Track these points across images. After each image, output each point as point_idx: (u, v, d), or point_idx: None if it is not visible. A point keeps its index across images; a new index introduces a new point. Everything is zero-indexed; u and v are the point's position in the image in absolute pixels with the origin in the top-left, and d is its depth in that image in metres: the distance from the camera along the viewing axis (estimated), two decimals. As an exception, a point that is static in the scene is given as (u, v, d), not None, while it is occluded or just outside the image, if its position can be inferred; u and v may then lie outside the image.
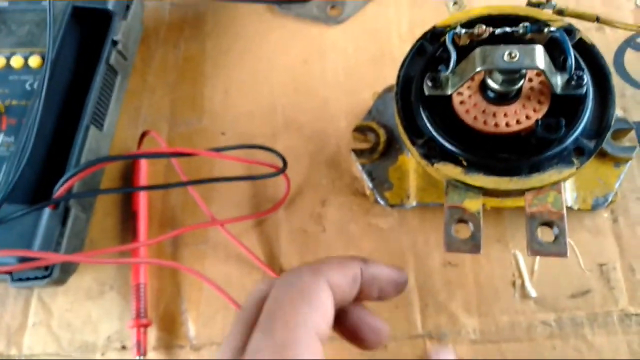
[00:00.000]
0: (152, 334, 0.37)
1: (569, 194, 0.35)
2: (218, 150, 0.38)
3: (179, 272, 0.38)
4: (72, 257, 0.34)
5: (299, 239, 0.39)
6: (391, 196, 0.37)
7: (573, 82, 0.28)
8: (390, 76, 0.33)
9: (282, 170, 0.38)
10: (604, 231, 0.36)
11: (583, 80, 0.28)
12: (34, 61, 0.41)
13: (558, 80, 0.28)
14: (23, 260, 0.34)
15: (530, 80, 0.30)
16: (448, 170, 0.29)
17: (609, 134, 0.36)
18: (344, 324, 0.26)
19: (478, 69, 0.27)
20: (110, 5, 0.42)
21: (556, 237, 0.27)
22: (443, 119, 0.30)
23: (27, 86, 0.40)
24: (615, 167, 0.36)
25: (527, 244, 0.27)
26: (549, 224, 0.27)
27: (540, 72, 0.28)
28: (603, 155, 0.36)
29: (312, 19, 0.46)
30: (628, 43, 0.41)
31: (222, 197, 0.40)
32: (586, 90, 0.28)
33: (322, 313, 0.22)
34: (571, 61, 0.28)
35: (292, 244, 0.39)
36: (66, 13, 0.42)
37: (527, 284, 0.35)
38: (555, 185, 0.28)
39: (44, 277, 0.35)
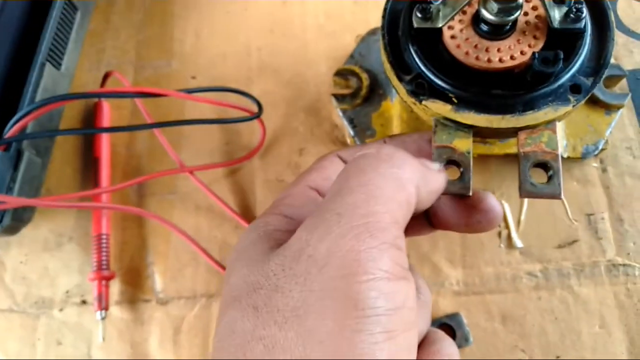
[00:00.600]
0: (115, 288, 0.35)
1: (559, 141, 0.34)
2: (188, 91, 0.35)
3: (145, 222, 0.36)
4: (27, 200, 0.31)
5: (274, 189, 0.37)
6: (373, 143, 0.35)
7: (572, 15, 0.26)
8: (374, 19, 0.31)
9: (257, 115, 0.36)
10: (592, 181, 0.35)
11: (582, 13, 0.26)
12: (-16, -9, 0.37)
13: (556, 14, 0.27)
14: (-31, 204, 0.30)
15: (526, 14, 0.28)
16: (437, 108, 0.27)
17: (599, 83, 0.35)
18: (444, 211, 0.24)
19: None
20: None
21: (550, 178, 0.25)
22: (433, 54, 0.28)
23: (-24, 18, 0.37)
24: (606, 114, 0.34)
25: (520, 185, 0.25)
26: (542, 165, 0.26)
27: (537, 3, 0.26)
28: (594, 102, 0.34)
29: (290, -43, 0.43)
30: (621, -11, 0.39)
31: (192, 144, 0.38)
32: (584, 24, 0.27)
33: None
34: None
35: (268, 194, 0.36)
36: (18, -61, 0.38)
37: (514, 234, 0.34)
38: (550, 124, 0.26)
39: (-6, 223, 0.32)
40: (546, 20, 0.27)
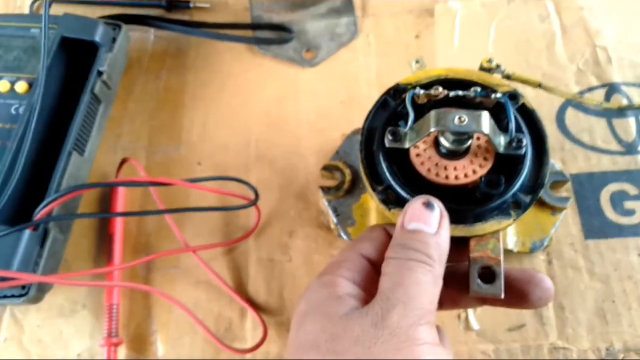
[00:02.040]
0: (122, 353, 0.39)
1: (510, 238, 0.39)
2: (193, 180, 0.41)
3: (151, 294, 0.41)
4: (49, 278, 0.36)
5: (266, 267, 0.42)
6: (353, 232, 0.41)
7: (514, 144, 0.32)
8: (357, 118, 0.36)
9: (254, 202, 0.41)
10: (540, 272, 0.40)
11: (522, 142, 0.32)
12: (21, 87, 0.43)
13: (501, 141, 0.32)
14: (1, 279, 0.35)
15: (478, 139, 0.33)
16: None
17: (546, 187, 0.40)
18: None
19: (432, 129, 0.30)
20: (97, 37, 0.45)
21: (494, 280, 0.30)
22: (400, 169, 0.33)
23: (13, 110, 0.42)
24: (552, 215, 0.40)
25: (469, 285, 0.30)
26: (488, 268, 0.31)
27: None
28: (541, 204, 0.40)
29: (288, 60, 0.49)
30: (569, 102, 0.46)
31: (195, 225, 0.43)
32: (525, 151, 0.32)
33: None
34: (512, 125, 0.32)
35: (260, 272, 0.42)
36: (54, 42, 0.44)
37: (471, 317, 0.39)
38: (495, 233, 0.32)
39: (21, 295, 0.37)
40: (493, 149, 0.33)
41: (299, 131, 0.47)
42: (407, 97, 0.33)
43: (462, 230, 0.31)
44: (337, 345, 0.25)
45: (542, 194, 0.40)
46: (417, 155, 0.33)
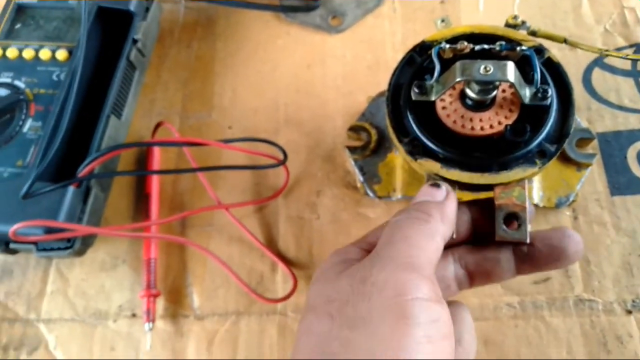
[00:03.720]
0: (160, 304, 0.41)
1: (535, 193, 0.40)
2: (226, 141, 0.42)
3: (186, 249, 0.43)
4: (95, 229, 0.39)
5: (295, 224, 0.43)
6: (379, 189, 0.42)
7: (539, 95, 0.32)
8: (383, 82, 0.37)
9: (283, 162, 0.43)
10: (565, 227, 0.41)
11: (548, 93, 0.32)
12: (61, 54, 0.45)
13: (527, 92, 0.33)
14: (49, 231, 0.38)
15: (504, 91, 0.34)
16: (429, 165, 0.32)
17: (573, 141, 0.41)
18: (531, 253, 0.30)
19: (458, 80, 0.31)
20: (132, 7, 0.47)
21: (519, 226, 0.31)
22: (427, 121, 0.34)
23: (54, 77, 0.45)
24: (577, 171, 0.41)
25: (495, 231, 0.31)
26: (513, 215, 0.31)
27: (511, 85, 0.32)
28: (567, 160, 0.41)
29: (315, 27, 0.50)
30: (596, 62, 0.46)
31: (227, 184, 0.45)
32: (550, 102, 0.33)
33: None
34: (538, 76, 0.32)
35: (289, 229, 0.43)
36: (92, 12, 0.46)
37: (496, 270, 0.40)
38: (520, 181, 0.32)
39: (66, 247, 0.39)
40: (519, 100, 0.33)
41: (327, 95, 0.48)
42: (434, 51, 0.34)
43: (487, 178, 0.31)
44: (331, 307, 0.25)
45: (568, 150, 0.40)
46: (443, 108, 0.34)
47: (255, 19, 0.52)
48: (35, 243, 0.39)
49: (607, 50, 0.38)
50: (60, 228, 0.37)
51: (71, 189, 0.39)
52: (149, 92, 0.50)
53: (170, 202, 0.45)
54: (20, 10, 0.48)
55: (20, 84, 0.44)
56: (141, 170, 0.45)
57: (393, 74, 0.36)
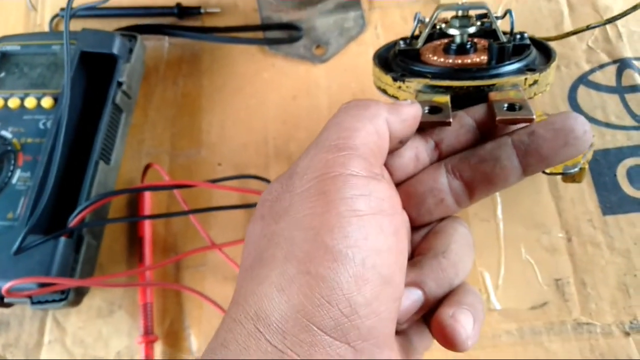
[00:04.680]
0: (158, 349, 0.41)
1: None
2: (215, 181, 0.42)
3: (182, 292, 0.43)
4: (86, 281, 0.38)
5: (289, 260, 0.43)
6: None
7: (517, 37, 0.32)
8: None
9: (274, 199, 0.43)
10: (559, 250, 0.41)
11: (525, 34, 0.32)
12: (46, 102, 0.45)
13: (505, 38, 0.31)
14: (42, 285, 0.38)
15: (484, 44, 0.33)
16: (418, 81, 0.30)
17: None
18: None
19: (438, 11, 0.31)
20: (115, 50, 0.47)
21: (521, 107, 0.26)
22: (414, 62, 0.33)
23: (41, 125, 0.44)
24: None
25: (495, 114, 0.26)
26: (513, 105, 0.27)
27: (490, 28, 0.32)
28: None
29: (299, 58, 0.50)
30: (580, 80, 0.46)
31: (219, 223, 0.45)
32: (529, 42, 0.32)
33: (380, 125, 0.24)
34: (512, 19, 0.31)
35: (284, 265, 0.43)
36: (75, 57, 0.46)
37: (492, 297, 0.40)
38: (515, 86, 0.29)
39: (61, 299, 0.39)
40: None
41: (315, 126, 0.48)
42: (415, 19, 0.34)
43: (479, 82, 0.29)
44: (263, 208, 0.23)
45: None
46: (429, 57, 0.33)
47: (240, 53, 0.52)
48: (29, 297, 0.39)
49: (574, 31, 0.37)
50: (51, 283, 0.36)
51: (63, 240, 0.39)
52: (137, 132, 0.49)
53: (163, 243, 0.45)
54: (4, 57, 0.48)
55: (7, 134, 0.44)
56: (133, 214, 0.45)
57: (377, 50, 0.36)
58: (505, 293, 0.40)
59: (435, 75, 0.30)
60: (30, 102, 0.45)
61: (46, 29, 0.55)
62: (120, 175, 0.47)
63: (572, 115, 0.24)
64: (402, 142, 0.26)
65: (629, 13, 0.35)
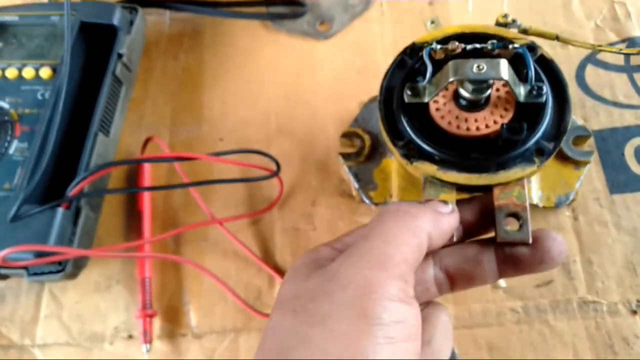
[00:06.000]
0: (157, 324, 0.40)
1: (534, 193, 0.39)
2: (217, 154, 0.41)
3: (181, 266, 0.42)
4: (86, 251, 0.38)
5: (291, 236, 0.42)
6: (375, 195, 0.41)
7: (534, 92, 0.32)
8: (374, 87, 0.36)
9: (276, 173, 0.42)
10: (565, 228, 0.40)
11: (542, 90, 0.32)
12: (45, 72, 0.44)
13: (521, 90, 0.32)
14: (39, 255, 0.37)
15: (498, 90, 0.33)
16: (425, 168, 0.31)
17: (569, 139, 0.40)
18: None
19: (451, 79, 0.30)
20: (115, 21, 0.46)
21: (521, 226, 0.29)
22: (421, 124, 0.33)
23: (39, 96, 0.44)
24: (575, 169, 0.40)
25: (496, 233, 0.29)
26: (514, 215, 0.30)
27: (505, 83, 0.31)
28: (565, 158, 0.40)
29: (302, 34, 0.50)
30: (588, 59, 0.45)
31: (220, 198, 0.44)
32: (545, 99, 0.32)
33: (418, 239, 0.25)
34: (532, 74, 0.32)
35: (285, 241, 0.42)
36: (75, 28, 0.45)
37: (497, 275, 0.39)
38: (519, 181, 0.31)
39: (58, 271, 0.38)
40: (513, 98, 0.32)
41: (318, 102, 0.47)
42: (425, 52, 0.33)
43: (486, 179, 0.30)
44: (296, 304, 0.24)
45: (565, 148, 0.40)
46: (437, 109, 0.33)
47: (243, 28, 0.51)
48: (26, 268, 0.38)
49: (599, 46, 0.38)
50: (51, 252, 0.36)
51: (60, 210, 0.38)
52: (137, 106, 0.49)
53: (162, 218, 0.44)
54: (1, 28, 0.47)
55: (4, 104, 0.43)
56: (132, 187, 0.44)
57: (384, 78, 0.35)
58: (511, 271, 0.39)
59: (442, 160, 0.31)
60: (28, 73, 0.44)
61: None
62: (119, 149, 0.46)
63: (551, 236, 0.27)
64: (433, 250, 0.27)
65: None
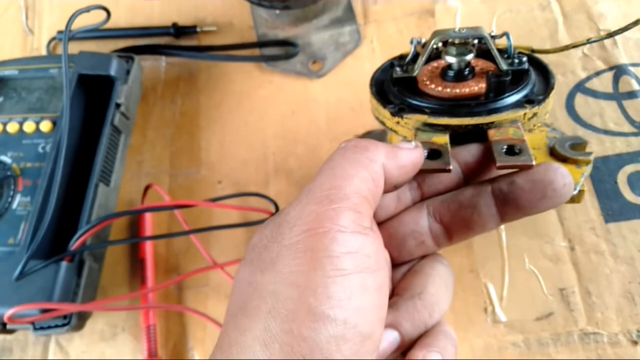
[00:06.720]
0: (163, 371, 0.41)
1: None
2: (215, 200, 0.42)
3: (185, 313, 0.42)
4: (88, 306, 0.38)
5: (292, 277, 0.43)
6: (373, 235, 0.42)
7: (516, 62, 0.32)
8: (368, 123, 0.37)
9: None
10: (562, 259, 0.40)
11: (523, 58, 0.32)
12: (45, 126, 0.45)
13: (503, 64, 0.32)
14: (44, 311, 0.37)
15: (482, 68, 0.33)
16: (417, 118, 0.30)
17: (566, 145, 0.39)
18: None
19: (434, 41, 0.31)
20: (112, 72, 0.47)
21: (520, 151, 0.27)
22: (411, 92, 0.33)
23: (40, 149, 0.45)
24: (577, 167, 0.38)
25: (495, 160, 0.26)
26: (512, 148, 0.27)
27: (487, 47, 0.32)
28: (564, 160, 0.39)
29: (296, 74, 0.51)
30: (577, 88, 0.46)
31: (220, 242, 0.44)
32: (527, 67, 0.32)
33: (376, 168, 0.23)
34: (511, 42, 0.32)
35: (287, 282, 0.43)
36: (73, 80, 0.46)
37: (498, 309, 0.39)
38: (514, 123, 0.29)
39: (64, 325, 0.39)
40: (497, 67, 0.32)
41: (313, 141, 0.48)
42: (413, 42, 0.34)
43: (479, 120, 0.29)
44: (252, 254, 0.23)
45: (563, 151, 0.38)
46: (426, 84, 0.33)
47: (237, 70, 0.52)
48: (32, 323, 0.39)
49: (574, 45, 0.38)
50: (53, 308, 0.36)
51: (64, 264, 0.39)
52: (136, 153, 0.49)
53: (165, 264, 0.44)
54: (1, 82, 0.48)
55: (6, 159, 0.44)
56: (134, 235, 0.45)
57: (374, 74, 0.36)
58: (510, 304, 0.40)
59: (433, 111, 0.30)
60: (29, 127, 0.45)
61: (43, 52, 0.55)
62: (120, 196, 0.47)
63: (552, 167, 0.25)
64: (396, 187, 0.25)
65: (630, 28, 0.35)
